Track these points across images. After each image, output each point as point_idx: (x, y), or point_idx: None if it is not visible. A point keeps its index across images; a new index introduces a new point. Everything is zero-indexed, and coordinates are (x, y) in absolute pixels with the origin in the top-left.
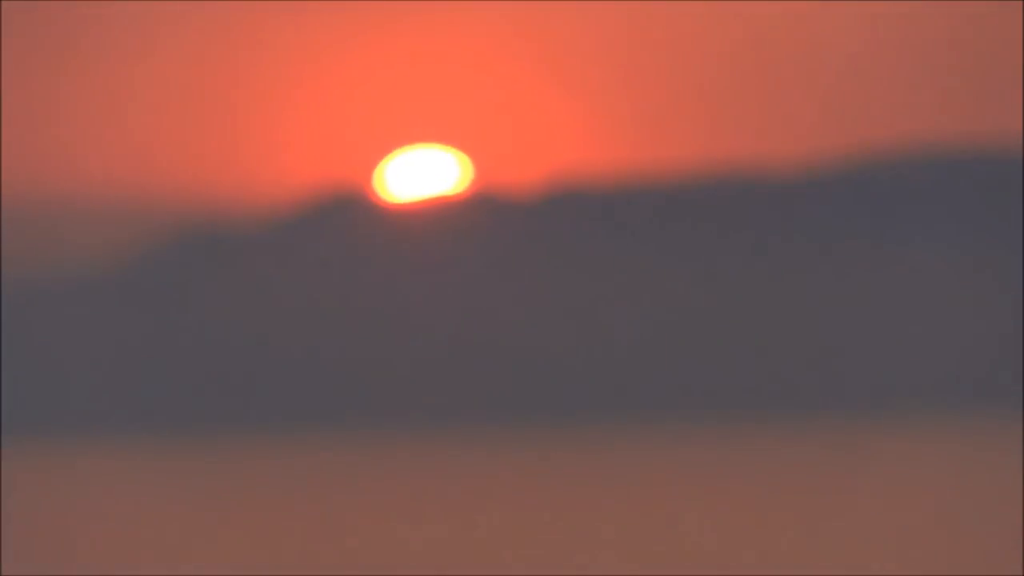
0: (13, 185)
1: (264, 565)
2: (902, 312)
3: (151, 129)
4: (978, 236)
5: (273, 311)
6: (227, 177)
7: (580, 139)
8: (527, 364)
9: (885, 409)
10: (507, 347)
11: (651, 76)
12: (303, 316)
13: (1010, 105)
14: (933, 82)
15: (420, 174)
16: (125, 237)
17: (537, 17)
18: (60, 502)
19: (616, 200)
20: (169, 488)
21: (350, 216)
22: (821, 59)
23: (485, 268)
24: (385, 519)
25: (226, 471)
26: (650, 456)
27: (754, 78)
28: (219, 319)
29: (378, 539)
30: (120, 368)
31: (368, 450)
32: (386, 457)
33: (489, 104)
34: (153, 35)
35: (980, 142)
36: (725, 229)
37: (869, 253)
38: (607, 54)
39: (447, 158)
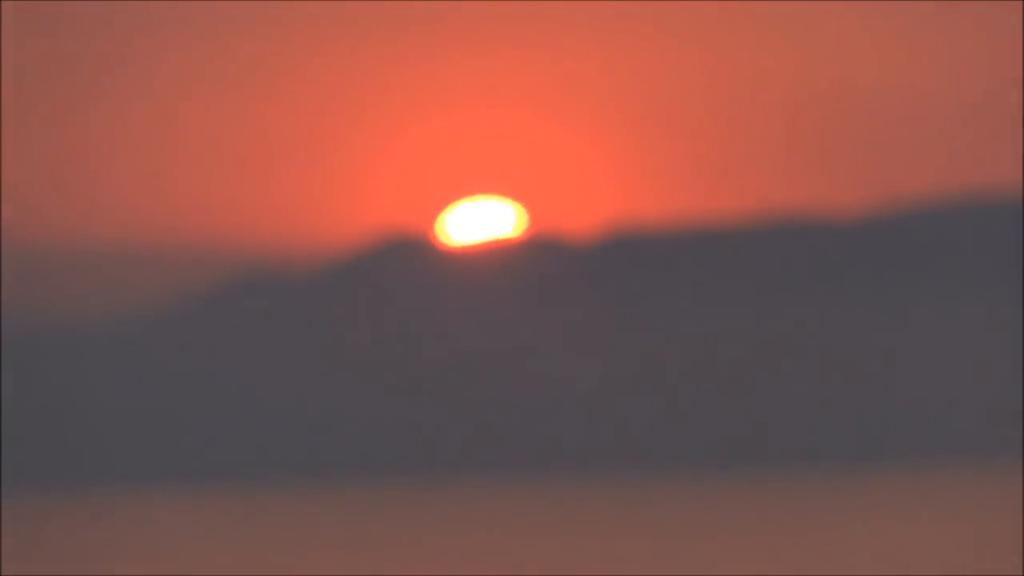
0: (76, 229)
1: None
2: (933, 360)
3: (218, 176)
4: (1012, 283)
5: (334, 351)
6: (294, 225)
7: (635, 190)
8: (578, 404)
9: (920, 457)
10: (560, 386)
11: (701, 126)
12: (365, 357)
13: None
14: (979, 132)
15: (480, 224)
16: (190, 281)
17: (594, 70)
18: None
19: (669, 248)
20: (227, 536)
21: (411, 259)
22: (870, 109)
23: (541, 313)
24: (442, 563)
25: (291, 513)
26: (693, 501)
27: (804, 128)
28: (282, 360)
29: None
30: (183, 411)
31: (423, 489)
32: (440, 495)
33: (547, 156)
34: (224, 83)
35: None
36: (772, 276)
37: (907, 301)
38: (660, 106)
39: (506, 209)
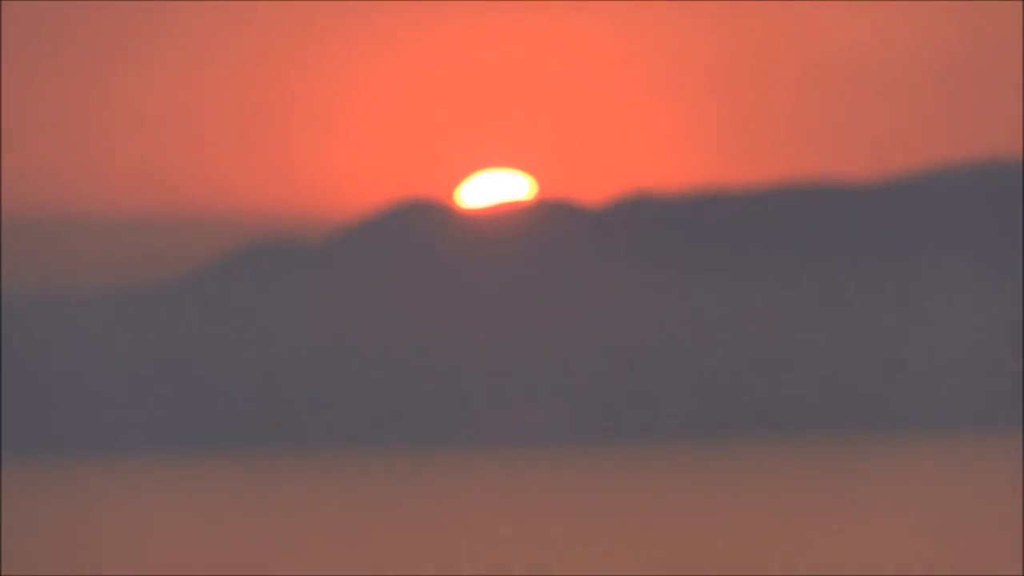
0: (81, 199)
1: None
2: (920, 330)
3: (231, 147)
4: (991, 251)
5: (346, 318)
6: (309, 196)
7: (656, 160)
8: (593, 372)
9: (904, 423)
10: (576, 354)
11: (720, 96)
12: (376, 324)
13: None
14: (993, 98)
15: (497, 194)
16: (207, 248)
17: (611, 39)
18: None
19: (681, 214)
20: (231, 502)
21: (428, 225)
22: (893, 80)
23: (557, 280)
24: (438, 528)
25: (287, 481)
26: (691, 466)
27: (823, 97)
28: (294, 327)
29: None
30: (195, 377)
31: (444, 452)
32: (463, 457)
33: (566, 127)
34: (241, 50)
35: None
36: (789, 242)
37: (905, 266)
38: (679, 76)
39: (524, 179)
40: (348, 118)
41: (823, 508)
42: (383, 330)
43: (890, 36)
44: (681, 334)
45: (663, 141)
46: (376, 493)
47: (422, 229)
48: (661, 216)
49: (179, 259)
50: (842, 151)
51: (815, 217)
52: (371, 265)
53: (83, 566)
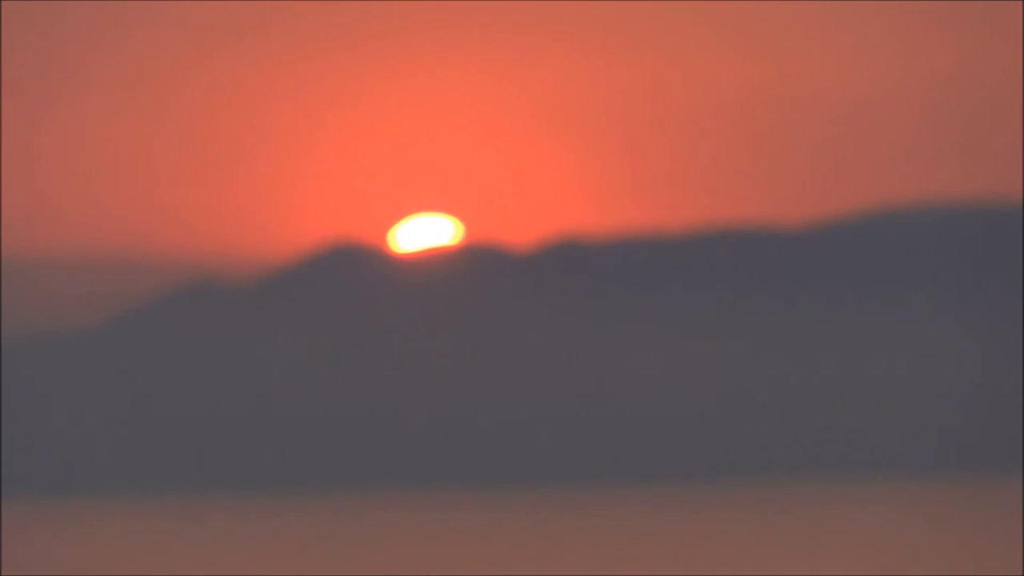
0: (18, 239)
1: None
2: (895, 370)
3: (171, 189)
4: (974, 293)
5: (277, 360)
6: (240, 237)
7: (578, 204)
8: (524, 419)
9: (880, 470)
10: (503, 402)
11: (644, 141)
12: (308, 365)
13: (1011, 164)
14: (928, 143)
15: (426, 238)
16: (137, 291)
17: (538, 86)
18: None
19: (608, 260)
20: (168, 548)
21: (358, 268)
22: (815, 123)
23: (483, 325)
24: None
25: (224, 531)
26: (643, 517)
27: (747, 142)
28: (227, 370)
29: None
30: (128, 423)
31: (370, 508)
32: (383, 512)
33: (491, 173)
34: (176, 98)
35: (979, 201)
36: (715, 287)
37: (861, 314)
38: (603, 122)
39: (451, 223)
40: (278, 161)
41: (802, 553)
42: (314, 372)
43: (833, 74)
44: (612, 378)
45: (589, 184)
46: (321, 536)
47: (352, 272)
48: (588, 259)
49: (111, 300)
50: (772, 194)
51: (748, 259)
52: (301, 307)
53: None
